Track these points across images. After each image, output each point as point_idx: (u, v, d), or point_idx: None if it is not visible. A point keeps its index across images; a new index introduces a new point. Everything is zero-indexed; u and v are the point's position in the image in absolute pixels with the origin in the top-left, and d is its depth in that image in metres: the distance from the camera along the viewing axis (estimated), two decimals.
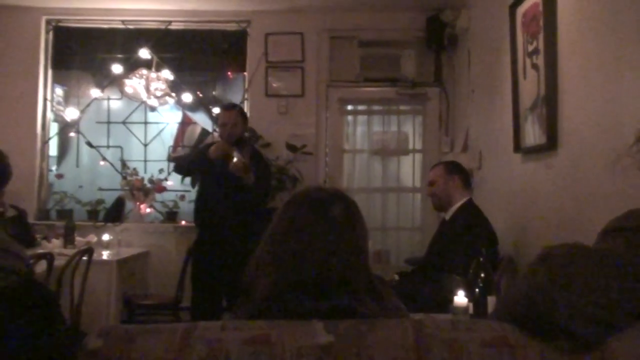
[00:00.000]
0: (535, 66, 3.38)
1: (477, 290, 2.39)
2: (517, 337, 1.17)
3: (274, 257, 1.37)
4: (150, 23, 6.19)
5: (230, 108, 4.79)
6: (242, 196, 4.46)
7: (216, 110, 6.11)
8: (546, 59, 3.19)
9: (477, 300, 2.37)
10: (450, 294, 2.50)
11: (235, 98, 6.26)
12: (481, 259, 2.45)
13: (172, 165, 6.08)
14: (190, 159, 4.91)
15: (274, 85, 6.07)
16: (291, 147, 5.75)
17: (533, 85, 3.41)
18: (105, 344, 1.17)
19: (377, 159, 6.25)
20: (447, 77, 5.97)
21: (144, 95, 5.97)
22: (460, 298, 2.28)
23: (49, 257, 3.76)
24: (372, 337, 1.16)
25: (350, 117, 6.32)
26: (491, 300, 2.37)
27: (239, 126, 4.66)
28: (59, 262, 3.96)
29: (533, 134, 3.45)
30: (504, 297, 1.33)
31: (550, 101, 3.15)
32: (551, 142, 3.16)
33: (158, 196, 6.06)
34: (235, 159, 4.33)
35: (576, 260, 1.16)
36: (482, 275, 2.41)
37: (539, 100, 3.32)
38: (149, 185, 5.99)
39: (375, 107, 6.28)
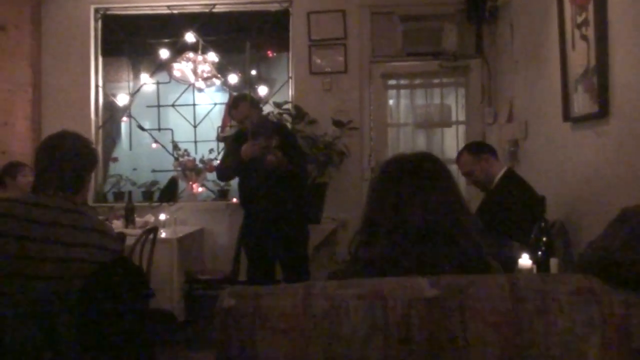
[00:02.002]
0: (584, 37, 3.46)
1: (539, 253, 2.52)
2: (602, 287, 1.31)
3: (382, 221, 1.53)
4: (195, 7, 6.35)
5: (236, 104, 4.76)
6: (280, 176, 4.56)
7: (262, 89, 6.27)
8: (596, 30, 3.26)
9: (539, 263, 2.50)
10: (508, 259, 2.64)
11: (280, 77, 6.44)
12: (542, 224, 2.58)
13: (221, 145, 6.30)
14: (228, 167, 4.85)
15: (318, 62, 6.20)
16: (338, 123, 5.89)
17: (582, 56, 3.49)
18: (238, 302, 1.34)
19: (421, 131, 6.38)
20: (488, 49, 6.04)
21: (191, 78, 6.16)
22: (525, 260, 2.41)
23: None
24: (472, 290, 1.31)
25: (393, 92, 6.44)
26: (553, 262, 2.49)
27: (253, 115, 4.64)
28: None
29: (583, 103, 3.54)
30: (585, 254, 1.47)
31: (601, 71, 3.23)
32: (603, 111, 3.25)
33: (209, 175, 6.27)
34: (267, 156, 4.43)
35: None
36: (544, 239, 2.53)
37: (589, 70, 3.40)
38: (200, 165, 6.19)
39: (418, 81, 6.38)
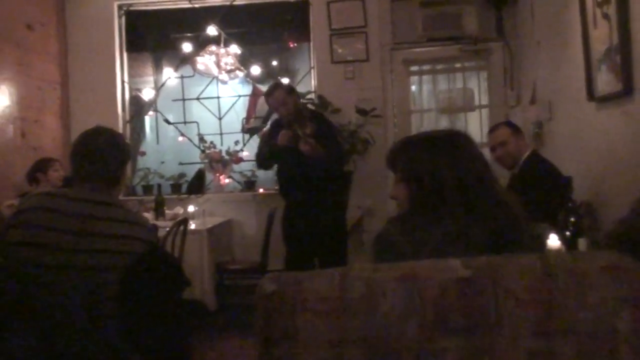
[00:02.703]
0: (606, 16, 3.46)
1: (567, 233, 2.55)
2: (630, 263, 1.35)
3: (445, 197, 1.67)
4: (216, 0, 6.41)
5: (271, 91, 4.78)
6: (317, 164, 4.57)
7: (285, 80, 6.32)
8: (618, 8, 3.27)
9: (568, 243, 2.53)
10: (534, 240, 2.67)
11: (302, 67, 6.48)
12: (570, 204, 2.60)
13: (246, 136, 6.38)
14: (266, 154, 4.90)
15: (339, 51, 6.23)
16: (361, 111, 5.92)
17: (605, 35, 3.49)
18: (279, 287, 1.40)
19: (444, 117, 6.38)
20: (509, 31, 6.03)
21: (215, 71, 6.23)
22: (554, 241, 2.44)
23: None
24: (505, 269, 1.36)
25: (415, 78, 6.45)
26: (582, 242, 2.52)
27: (289, 102, 4.67)
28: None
29: (607, 82, 3.55)
30: (613, 230, 1.50)
31: (624, 49, 3.24)
32: (627, 89, 3.26)
33: (235, 167, 6.34)
34: (301, 144, 4.47)
35: None
36: (572, 219, 2.56)
37: (612, 48, 3.41)
38: (226, 157, 6.27)
39: (440, 66, 6.39)
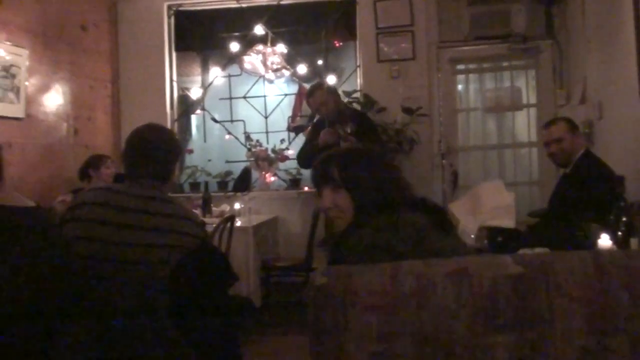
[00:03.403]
0: None
1: (619, 233, 2.51)
2: None
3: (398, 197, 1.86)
4: (263, 0, 6.46)
5: (312, 92, 4.84)
6: None
7: (331, 78, 6.33)
8: None
9: (619, 243, 2.49)
10: (586, 240, 2.64)
11: (348, 66, 6.49)
12: (622, 203, 2.56)
13: (292, 135, 6.42)
14: (308, 154, 4.96)
15: (385, 50, 6.21)
16: (407, 110, 5.90)
17: None
18: (330, 280, 1.42)
19: (491, 116, 6.32)
20: (559, 29, 5.93)
21: (262, 70, 6.28)
22: (605, 241, 2.41)
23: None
24: (557, 266, 1.36)
25: (462, 77, 6.40)
26: (634, 242, 2.48)
27: (330, 103, 4.73)
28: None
29: None
30: None
31: None
32: None
33: (281, 165, 6.38)
34: (342, 142, 4.46)
35: None
36: (624, 218, 2.52)
37: None
38: (272, 155, 6.31)
39: (487, 65, 6.33)
